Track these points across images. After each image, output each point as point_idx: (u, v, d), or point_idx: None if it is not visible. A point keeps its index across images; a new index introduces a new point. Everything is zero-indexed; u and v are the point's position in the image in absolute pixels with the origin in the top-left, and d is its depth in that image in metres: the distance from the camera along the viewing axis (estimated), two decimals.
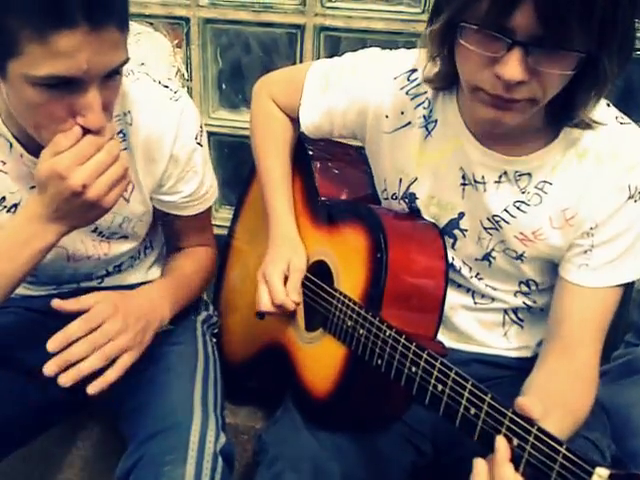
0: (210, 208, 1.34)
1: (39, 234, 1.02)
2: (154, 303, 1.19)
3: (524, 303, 1.20)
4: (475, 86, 0.96)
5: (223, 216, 1.85)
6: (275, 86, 1.34)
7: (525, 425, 0.84)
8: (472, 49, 0.92)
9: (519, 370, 1.21)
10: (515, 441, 0.85)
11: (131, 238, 1.30)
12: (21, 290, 1.16)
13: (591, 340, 1.07)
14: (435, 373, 0.96)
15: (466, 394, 0.92)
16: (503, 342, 1.24)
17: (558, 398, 1.02)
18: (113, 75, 0.96)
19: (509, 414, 0.86)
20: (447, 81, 1.06)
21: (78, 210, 1.00)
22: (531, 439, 0.83)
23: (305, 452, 1.13)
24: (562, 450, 0.80)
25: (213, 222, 1.45)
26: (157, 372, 1.21)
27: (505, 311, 1.22)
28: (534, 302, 1.20)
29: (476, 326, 1.24)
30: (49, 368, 1.02)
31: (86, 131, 0.97)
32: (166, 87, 1.19)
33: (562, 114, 1.01)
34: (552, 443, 0.81)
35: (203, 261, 1.37)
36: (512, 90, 0.92)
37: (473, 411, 0.90)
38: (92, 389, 1.03)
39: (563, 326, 1.08)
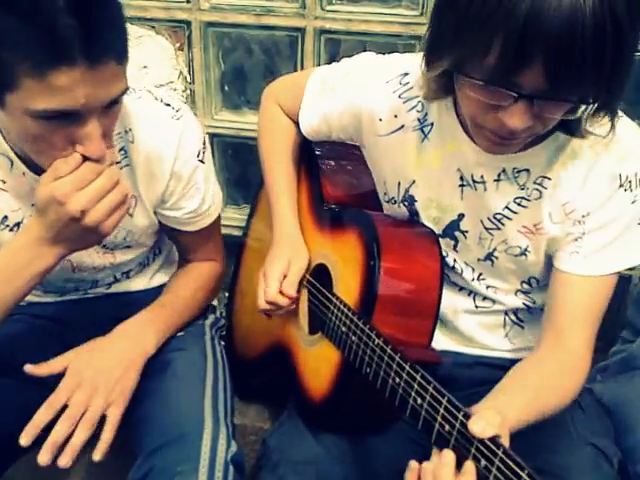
0: (216, 221, 1.34)
1: (39, 257, 1.02)
2: (134, 339, 1.19)
3: (524, 303, 1.21)
4: (478, 124, 0.97)
5: (229, 216, 1.87)
6: (280, 91, 1.36)
7: (492, 447, 0.84)
8: (476, 97, 0.92)
9: None
10: (483, 462, 0.85)
11: (137, 247, 1.31)
12: (28, 297, 1.16)
13: (582, 329, 1.08)
14: (415, 386, 0.96)
15: (441, 410, 0.91)
16: (505, 344, 1.25)
17: (538, 381, 1.03)
18: (113, 104, 0.96)
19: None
20: (445, 95, 1.05)
21: (77, 235, 1.00)
22: (497, 462, 0.83)
23: (308, 456, 1.14)
24: (523, 475, 0.80)
25: (221, 242, 1.43)
26: (166, 380, 1.20)
27: (506, 312, 1.23)
28: (534, 302, 1.21)
29: (478, 329, 1.25)
30: (43, 457, 1.02)
31: (86, 157, 0.97)
32: (168, 105, 1.19)
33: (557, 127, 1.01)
34: (515, 468, 0.81)
35: (205, 279, 1.36)
36: (515, 133, 0.93)
37: (447, 428, 0.90)
38: (98, 456, 1.05)
39: (555, 315, 1.09)
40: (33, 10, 0.85)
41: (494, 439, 0.84)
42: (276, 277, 1.22)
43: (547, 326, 1.11)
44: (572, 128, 1.00)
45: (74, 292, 1.36)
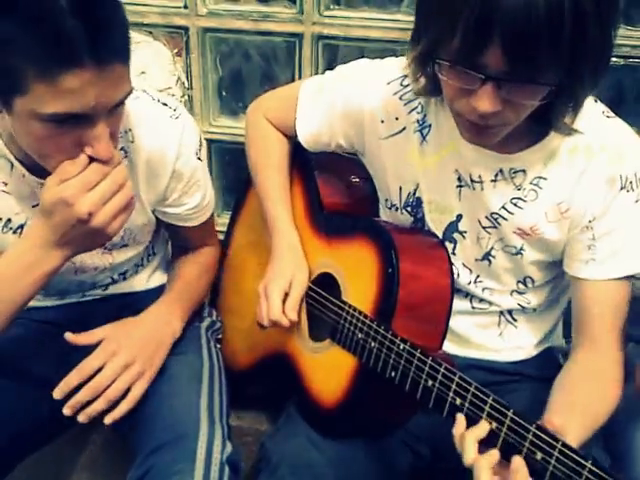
0: (212, 215, 1.37)
1: (45, 259, 1.03)
2: (163, 320, 1.23)
3: (519, 304, 1.22)
4: (456, 111, 1.00)
5: (225, 222, 1.85)
6: (268, 106, 1.36)
7: (549, 440, 0.85)
8: (448, 81, 0.95)
9: (514, 375, 1.25)
10: (539, 455, 0.86)
11: (133, 246, 1.32)
12: None
13: (613, 333, 1.10)
14: (453, 387, 0.98)
15: (487, 409, 0.93)
16: (499, 342, 1.26)
17: (584, 397, 1.06)
18: (119, 106, 0.97)
19: (532, 429, 0.87)
20: (435, 92, 1.07)
21: (83, 236, 1.01)
22: (556, 453, 0.84)
23: (306, 459, 1.14)
24: (588, 465, 0.81)
25: (215, 228, 1.47)
26: (163, 382, 1.21)
27: (501, 312, 1.24)
28: (528, 303, 1.22)
29: (473, 329, 1.25)
30: (65, 411, 1.10)
31: (92, 158, 0.98)
32: (165, 105, 1.20)
33: (543, 122, 1.03)
34: (577, 458, 0.83)
35: (208, 262, 1.41)
36: (487, 118, 0.95)
37: (495, 425, 0.91)
38: (108, 420, 1.12)
39: (583, 322, 1.11)
40: (37, 14, 0.85)
41: (549, 432, 0.86)
42: (278, 296, 1.22)
43: (577, 331, 1.13)
44: (551, 122, 1.01)
45: (74, 294, 1.36)
